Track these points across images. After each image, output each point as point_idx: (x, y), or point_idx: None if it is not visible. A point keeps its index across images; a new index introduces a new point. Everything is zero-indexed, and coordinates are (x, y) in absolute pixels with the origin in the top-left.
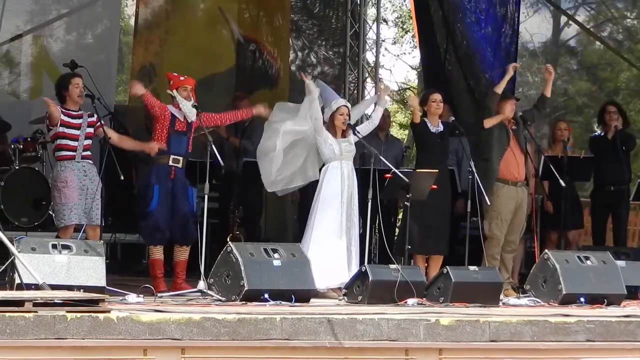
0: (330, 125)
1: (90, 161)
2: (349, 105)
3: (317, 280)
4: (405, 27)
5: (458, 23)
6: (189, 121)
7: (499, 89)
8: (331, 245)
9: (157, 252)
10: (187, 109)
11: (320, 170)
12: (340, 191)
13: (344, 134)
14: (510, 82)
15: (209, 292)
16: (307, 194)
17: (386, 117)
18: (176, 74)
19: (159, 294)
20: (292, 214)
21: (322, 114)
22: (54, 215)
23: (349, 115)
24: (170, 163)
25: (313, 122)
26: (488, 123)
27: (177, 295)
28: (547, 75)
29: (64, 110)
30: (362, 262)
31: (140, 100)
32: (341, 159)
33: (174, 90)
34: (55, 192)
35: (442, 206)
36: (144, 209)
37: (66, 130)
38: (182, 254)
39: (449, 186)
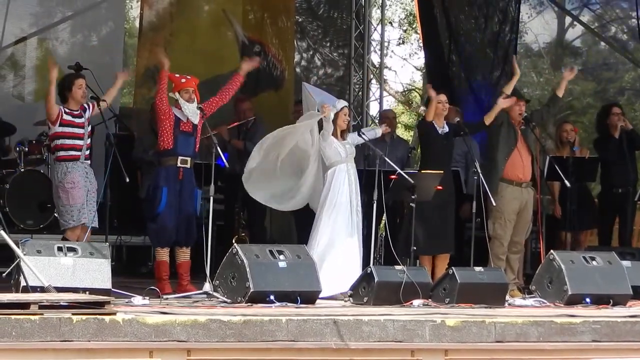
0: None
1: (89, 162)
2: (348, 105)
3: (330, 285)
4: (412, 27)
5: (461, 24)
6: (194, 123)
7: (508, 89)
8: (344, 249)
9: (164, 254)
10: (190, 112)
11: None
12: (349, 194)
13: (343, 136)
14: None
15: (215, 293)
16: None
17: (392, 119)
18: (178, 75)
19: (165, 296)
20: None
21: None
22: (59, 216)
23: (355, 117)
24: (178, 164)
25: (322, 131)
26: (488, 119)
27: (183, 297)
28: (565, 74)
29: (66, 110)
30: (367, 264)
31: (157, 77)
32: (347, 161)
33: (176, 93)
34: (61, 193)
35: (446, 206)
36: (151, 211)
37: (69, 130)
38: (185, 255)
39: (453, 186)
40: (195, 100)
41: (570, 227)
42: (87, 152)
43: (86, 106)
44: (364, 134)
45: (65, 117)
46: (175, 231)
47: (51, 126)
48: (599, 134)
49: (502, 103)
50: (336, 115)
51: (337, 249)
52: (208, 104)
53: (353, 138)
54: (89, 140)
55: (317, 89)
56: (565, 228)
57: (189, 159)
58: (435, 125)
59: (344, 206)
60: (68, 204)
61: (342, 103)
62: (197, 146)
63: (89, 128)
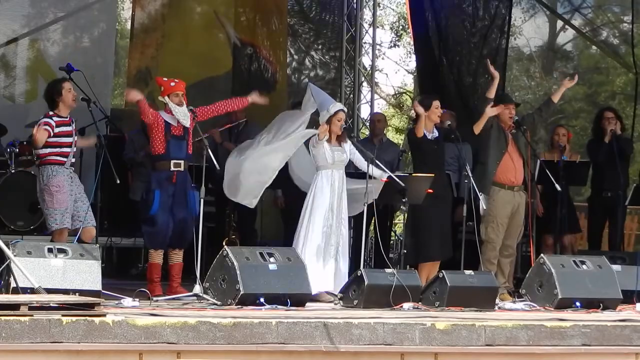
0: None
1: (73, 168)
2: (345, 109)
3: None
4: (405, 31)
5: (451, 28)
6: (185, 126)
7: (490, 93)
8: (319, 254)
9: (157, 256)
10: (180, 115)
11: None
12: (330, 202)
13: (338, 141)
14: (499, 89)
15: (205, 296)
16: (294, 199)
17: (381, 122)
18: (166, 79)
19: (155, 298)
20: None
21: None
22: (45, 218)
23: (346, 121)
24: (172, 168)
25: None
26: (476, 128)
27: (173, 299)
28: (565, 82)
29: (56, 120)
30: (357, 266)
31: (137, 106)
32: (333, 167)
33: (166, 97)
34: (46, 196)
35: (445, 211)
36: (145, 213)
37: (59, 140)
38: (177, 257)
39: (449, 191)
40: (185, 103)
41: (554, 231)
42: (73, 160)
43: (74, 119)
44: (355, 136)
45: (56, 129)
46: (170, 234)
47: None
48: (593, 137)
49: (489, 112)
50: (330, 119)
51: (313, 253)
52: (203, 110)
53: (352, 152)
54: (75, 149)
55: (321, 90)
56: (549, 231)
57: (182, 162)
58: (425, 131)
59: (323, 212)
60: (52, 207)
61: (336, 107)
62: (190, 148)
63: (76, 137)
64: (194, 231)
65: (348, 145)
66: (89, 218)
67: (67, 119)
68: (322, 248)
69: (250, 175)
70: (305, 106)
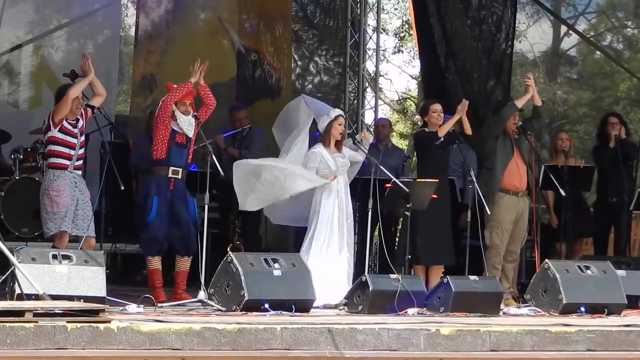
0: (325, 135)
1: (80, 172)
2: (344, 114)
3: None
4: (409, 34)
5: (456, 32)
6: (188, 135)
7: (520, 103)
8: (332, 262)
9: (156, 263)
10: (185, 124)
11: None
12: (338, 209)
13: (337, 147)
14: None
15: (209, 302)
16: None
17: (386, 127)
18: (176, 87)
19: (159, 304)
20: None
21: (317, 125)
22: (42, 222)
23: (350, 126)
24: (170, 175)
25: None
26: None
27: (178, 305)
28: (526, 85)
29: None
30: (362, 272)
31: (180, 84)
32: (337, 174)
33: (173, 105)
34: (46, 200)
35: (443, 215)
36: (142, 220)
37: (64, 137)
38: (184, 264)
39: (449, 196)
40: (191, 111)
41: (566, 236)
42: (79, 162)
43: (79, 117)
44: (359, 141)
45: (65, 124)
46: (168, 240)
47: (52, 128)
48: (598, 142)
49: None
50: (330, 124)
51: (324, 262)
52: (202, 113)
53: (349, 152)
54: (81, 151)
55: (314, 99)
56: (560, 238)
57: (180, 169)
58: (432, 135)
59: (332, 222)
60: (52, 212)
61: (335, 112)
62: (190, 157)
63: (82, 138)
64: (199, 237)
65: (346, 150)
66: (90, 228)
67: (74, 121)
68: (334, 256)
69: (267, 185)
70: (302, 118)
